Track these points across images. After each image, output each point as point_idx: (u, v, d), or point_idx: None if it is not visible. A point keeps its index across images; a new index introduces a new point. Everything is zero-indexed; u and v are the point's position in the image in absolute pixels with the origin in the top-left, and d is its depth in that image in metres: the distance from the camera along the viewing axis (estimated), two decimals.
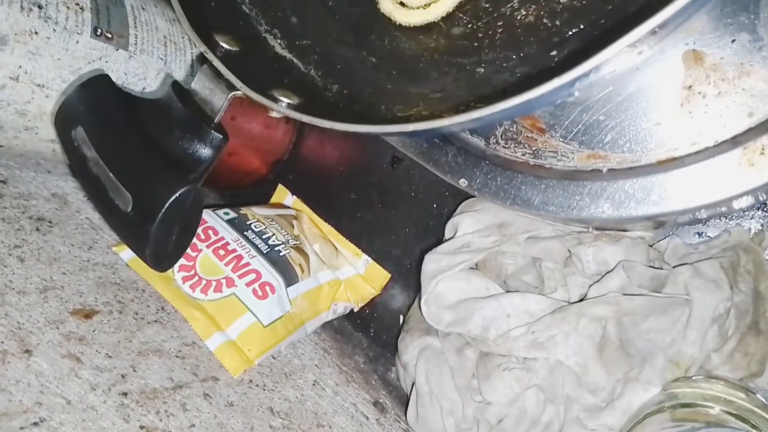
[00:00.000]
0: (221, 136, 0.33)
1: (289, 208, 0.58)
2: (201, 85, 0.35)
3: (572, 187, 0.37)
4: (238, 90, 0.34)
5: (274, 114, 0.33)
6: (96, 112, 0.32)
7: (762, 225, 0.41)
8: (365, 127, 0.29)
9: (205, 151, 0.32)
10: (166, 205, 0.29)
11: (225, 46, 0.36)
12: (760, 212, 0.41)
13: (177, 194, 0.30)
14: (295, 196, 0.60)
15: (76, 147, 0.32)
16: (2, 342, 0.35)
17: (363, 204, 0.58)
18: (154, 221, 0.30)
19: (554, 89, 0.25)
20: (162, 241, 0.32)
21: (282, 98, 0.33)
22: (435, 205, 0.54)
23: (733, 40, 0.34)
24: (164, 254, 0.35)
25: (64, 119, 0.32)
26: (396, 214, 0.56)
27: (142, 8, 0.46)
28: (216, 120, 0.34)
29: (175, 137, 0.33)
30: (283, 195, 0.60)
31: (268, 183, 0.61)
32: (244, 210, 0.53)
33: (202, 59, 0.35)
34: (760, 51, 0.33)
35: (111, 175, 0.31)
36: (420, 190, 0.54)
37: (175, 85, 0.34)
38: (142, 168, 0.31)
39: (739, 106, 0.34)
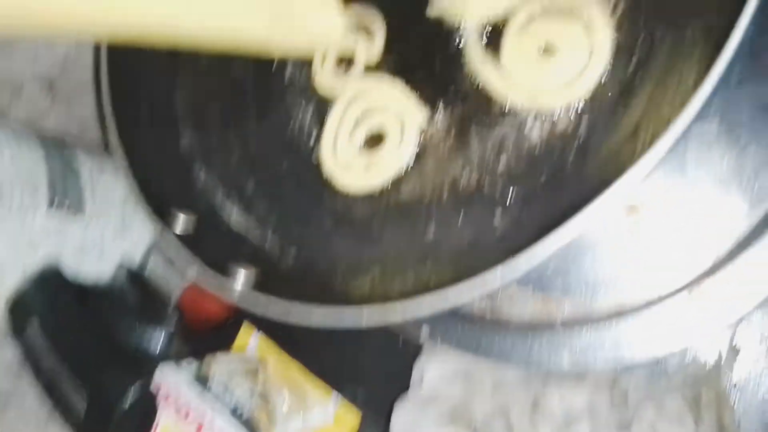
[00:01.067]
0: (175, 322, 0.33)
1: (254, 351, 0.57)
2: (155, 269, 0.35)
3: (530, 337, 0.38)
4: (193, 270, 0.34)
5: (232, 293, 0.33)
6: (49, 305, 0.31)
7: (718, 358, 0.42)
8: (320, 318, 0.29)
9: (161, 339, 0.32)
10: (122, 403, 0.29)
11: (180, 222, 0.36)
12: (714, 345, 0.41)
13: (132, 390, 0.29)
14: (260, 332, 0.59)
15: (29, 341, 0.31)
16: None
17: (331, 338, 0.57)
18: (110, 421, 0.29)
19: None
20: None
21: (238, 276, 0.34)
22: (402, 339, 0.54)
23: (665, 188, 0.36)
24: None
25: (17, 312, 0.32)
26: (363, 349, 0.55)
27: (99, 172, 0.47)
28: (172, 303, 0.34)
29: (130, 326, 0.32)
30: (247, 334, 0.59)
31: (231, 323, 0.60)
32: (207, 360, 0.52)
33: (157, 237, 0.35)
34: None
35: (65, 370, 0.31)
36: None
37: (129, 271, 0.35)
38: (96, 362, 0.31)
39: (682, 251, 0.35)
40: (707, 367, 0.41)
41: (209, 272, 0.32)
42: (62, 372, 0.31)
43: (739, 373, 0.42)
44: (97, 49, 0.54)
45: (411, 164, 0.39)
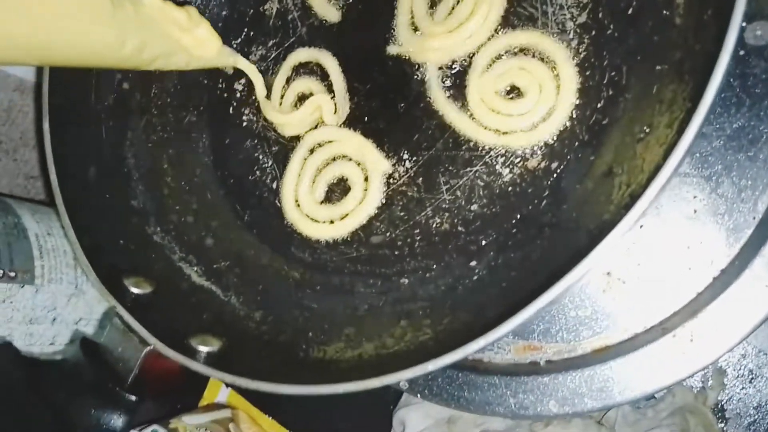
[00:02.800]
0: (134, 399, 0.31)
1: (224, 406, 0.54)
2: (112, 340, 0.32)
3: (514, 385, 0.36)
4: (151, 342, 0.31)
5: (193, 366, 0.30)
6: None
7: (703, 383, 0.41)
8: (292, 388, 0.27)
9: (117, 420, 0.30)
10: None
11: (136, 290, 0.34)
12: (700, 372, 0.41)
13: None
14: (230, 388, 0.57)
15: None
16: None
17: None
18: None
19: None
20: None
21: (201, 347, 0.31)
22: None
23: (641, 226, 0.35)
24: None
25: None
26: (339, 398, 0.53)
27: (48, 234, 0.44)
28: (129, 380, 0.31)
29: (85, 406, 0.30)
30: (216, 389, 0.56)
31: (198, 379, 0.57)
32: (173, 423, 0.49)
33: (112, 310, 0.33)
34: None
35: None
36: None
37: (84, 342, 0.32)
38: None
39: (659, 290, 0.34)
40: (694, 393, 0.40)
41: (169, 350, 0.30)
42: None
43: (725, 397, 0.41)
44: (36, 98, 0.52)
45: (378, 211, 0.37)
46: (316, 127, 0.39)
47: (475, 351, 0.24)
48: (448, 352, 0.24)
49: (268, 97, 0.40)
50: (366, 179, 0.37)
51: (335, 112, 0.38)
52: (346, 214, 0.37)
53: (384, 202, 0.37)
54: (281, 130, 0.40)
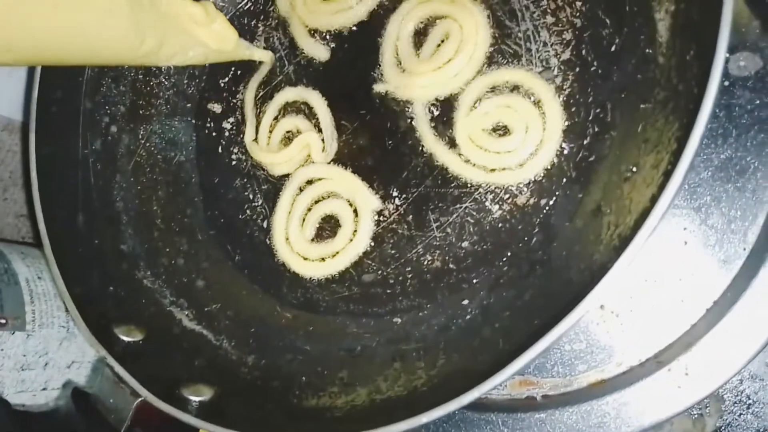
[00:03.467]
0: None
1: None
2: (103, 391, 0.32)
3: (511, 422, 0.36)
4: (143, 392, 0.31)
5: (185, 419, 0.30)
6: None
7: (701, 410, 0.41)
8: None
9: None
10: None
11: (126, 338, 0.34)
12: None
13: None
14: None
15: None
16: None
17: None
18: None
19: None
20: None
21: (192, 396, 0.31)
22: None
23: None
24: None
25: None
26: None
27: (38, 278, 0.44)
28: (124, 427, 0.31)
29: None
30: None
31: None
32: None
33: (103, 360, 0.32)
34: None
35: None
36: None
37: (76, 393, 0.32)
38: None
39: (652, 323, 0.34)
40: (692, 419, 0.40)
41: (160, 402, 0.29)
42: None
43: (722, 425, 0.41)
44: (24, 137, 0.51)
45: (370, 249, 0.37)
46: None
47: (470, 401, 0.24)
48: (441, 404, 0.24)
49: (256, 138, 0.40)
50: (356, 216, 0.37)
51: (323, 150, 0.38)
52: (337, 252, 0.37)
53: (375, 239, 0.36)
54: (270, 169, 0.40)
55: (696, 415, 0.41)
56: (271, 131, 0.40)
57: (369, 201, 0.37)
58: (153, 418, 0.40)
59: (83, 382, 0.39)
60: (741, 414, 0.41)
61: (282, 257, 0.39)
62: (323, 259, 0.38)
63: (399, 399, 0.27)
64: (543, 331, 0.24)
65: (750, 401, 0.41)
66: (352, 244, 0.37)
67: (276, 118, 0.40)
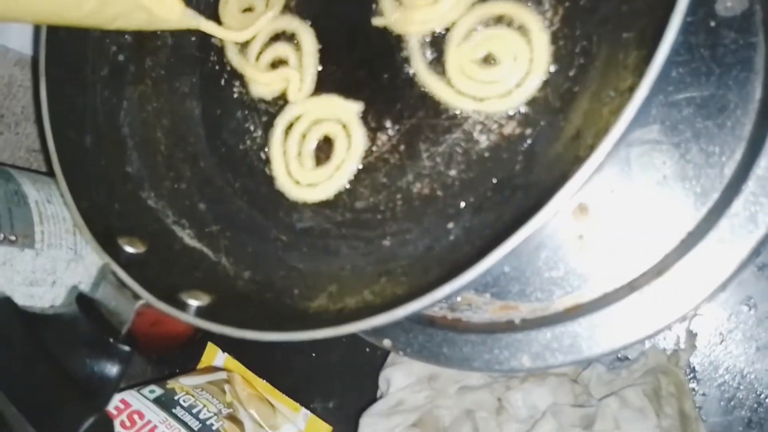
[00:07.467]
0: (128, 350, 0.32)
1: (220, 369, 0.57)
2: (106, 295, 0.34)
3: (490, 341, 0.38)
4: (144, 298, 0.33)
5: (183, 317, 0.32)
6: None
7: (675, 345, 0.43)
8: (277, 335, 0.29)
9: (112, 369, 0.31)
10: None
11: (130, 249, 0.36)
12: (672, 332, 0.42)
13: (88, 423, 0.29)
14: (226, 353, 0.59)
15: None
16: None
17: (296, 353, 0.57)
18: None
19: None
20: None
21: (191, 300, 0.33)
22: (368, 349, 0.54)
23: (612, 191, 0.37)
24: None
25: None
26: (330, 361, 0.55)
27: (48, 201, 0.46)
28: (123, 332, 0.33)
29: (81, 357, 0.32)
30: (213, 354, 0.58)
31: (197, 341, 0.60)
32: (170, 383, 0.51)
33: (106, 267, 0.35)
34: None
35: (14, 408, 0.30)
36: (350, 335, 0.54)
37: (80, 297, 0.34)
38: (47, 398, 0.30)
39: (628, 252, 0.36)
40: (666, 354, 0.42)
41: (161, 303, 0.31)
42: (10, 413, 0.30)
43: (696, 359, 0.43)
44: (35, 72, 0.53)
45: (363, 177, 0.39)
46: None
47: (443, 297, 0.26)
48: (417, 299, 0.25)
49: (243, 51, 0.41)
50: (348, 133, 0.38)
51: (300, 89, 0.39)
52: (338, 166, 0.39)
53: (368, 168, 0.38)
54: (249, 85, 0.41)
55: (671, 350, 0.43)
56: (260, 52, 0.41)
57: (349, 108, 0.38)
58: (162, 317, 0.43)
59: (87, 291, 0.41)
60: (714, 350, 0.43)
61: (280, 183, 0.41)
62: (320, 180, 0.39)
63: (383, 305, 0.29)
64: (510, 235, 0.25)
65: (723, 338, 0.43)
66: (350, 153, 0.38)
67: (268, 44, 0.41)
